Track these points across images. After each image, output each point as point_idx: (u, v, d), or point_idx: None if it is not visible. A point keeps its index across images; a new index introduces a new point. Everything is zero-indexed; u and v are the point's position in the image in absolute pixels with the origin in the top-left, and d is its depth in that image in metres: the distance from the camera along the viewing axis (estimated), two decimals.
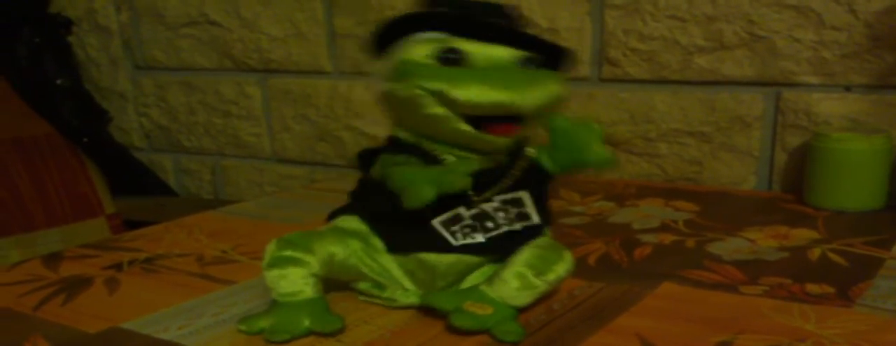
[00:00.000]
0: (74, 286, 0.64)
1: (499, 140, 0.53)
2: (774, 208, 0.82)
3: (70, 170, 1.27)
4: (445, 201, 0.52)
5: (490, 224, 0.54)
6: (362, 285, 0.57)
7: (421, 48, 0.52)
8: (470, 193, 0.53)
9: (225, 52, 1.27)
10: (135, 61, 1.39)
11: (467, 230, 0.54)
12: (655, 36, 0.94)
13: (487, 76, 0.51)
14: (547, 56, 0.55)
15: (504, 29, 0.53)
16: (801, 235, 0.72)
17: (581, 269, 0.64)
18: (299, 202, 0.94)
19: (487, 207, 0.54)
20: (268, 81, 1.25)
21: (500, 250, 0.54)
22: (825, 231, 0.73)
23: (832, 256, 0.66)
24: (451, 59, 0.51)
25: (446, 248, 0.53)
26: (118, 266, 0.69)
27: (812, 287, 0.58)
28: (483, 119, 0.51)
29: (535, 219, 0.56)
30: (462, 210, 0.54)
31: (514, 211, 0.55)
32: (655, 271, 0.63)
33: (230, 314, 0.56)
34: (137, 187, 1.42)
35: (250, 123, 1.30)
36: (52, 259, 0.71)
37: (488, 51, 0.52)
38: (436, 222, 0.53)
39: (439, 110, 0.51)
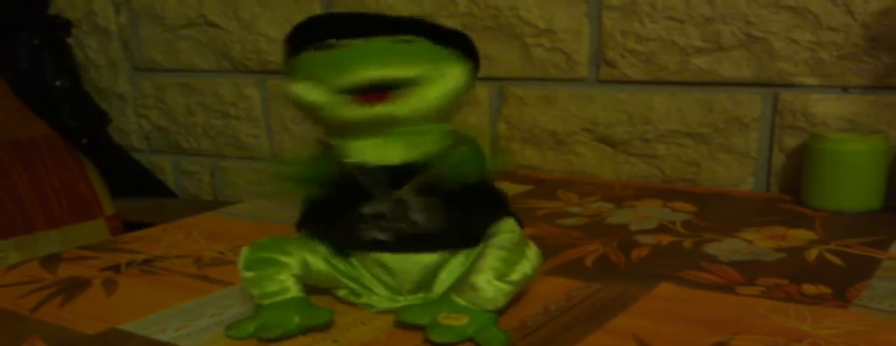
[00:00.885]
0: (72, 288, 0.64)
1: (366, 110, 0.51)
2: (772, 209, 0.82)
3: (69, 171, 1.27)
4: (359, 197, 0.53)
5: (385, 223, 0.54)
6: (341, 293, 0.57)
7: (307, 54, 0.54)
8: (375, 189, 0.53)
9: (223, 54, 1.27)
10: (134, 63, 1.39)
11: (371, 227, 0.54)
12: (653, 37, 0.94)
13: (347, 52, 0.52)
14: (444, 44, 0.54)
15: (375, 18, 0.53)
16: (799, 235, 0.72)
17: (578, 270, 0.64)
18: (298, 204, 0.93)
19: (386, 206, 0.54)
20: (266, 82, 1.25)
21: (404, 247, 0.54)
22: (822, 232, 0.73)
23: (829, 256, 0.66)
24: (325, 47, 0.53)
25: (357, 244, 0.54)
26: (116, 268, 0.69)
27: (809, 288, 0.58)
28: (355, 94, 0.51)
29: (423, 224, 0.54)
30: (368, 207, 0.54)
31: (405, 211, 0.54)
32: (653, 272, 0.63)
33: (228, 316, 0.56)
34: (137, 189, 1.42)
35: (249, 124, 1.30)
36: (51, 261, 0.71)
37: (367, 43, 0.52)
38: (351, 217, 0.54)
39: (309, 95, 0.52)
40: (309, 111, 0.54)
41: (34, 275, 0.67)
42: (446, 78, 0.53)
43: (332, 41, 0.53)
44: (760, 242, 0.70)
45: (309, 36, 0.54)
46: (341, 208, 0.55)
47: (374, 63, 0.51)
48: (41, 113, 1.28)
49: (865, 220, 0.77)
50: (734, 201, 0.87)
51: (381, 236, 0.54)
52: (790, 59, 0.88)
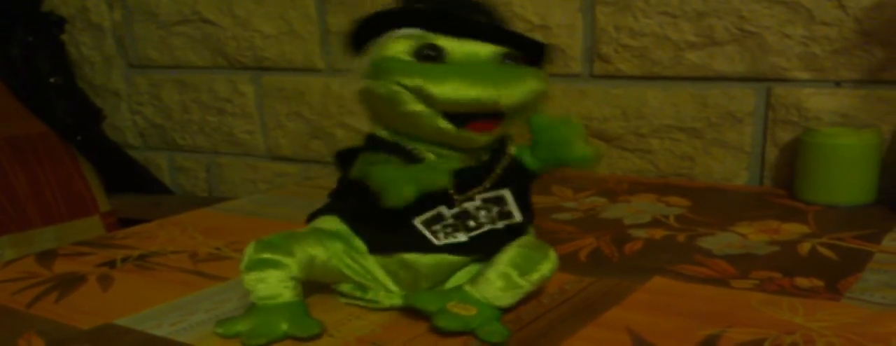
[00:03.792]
0: (68, 284, 0.64)
1: (479, 137, 0.52)
2: (765, 203, 0.83)
3: (64, 168, 1.27)
4: (426, 201, 0.51)
5: (472, 223, 0.54)
6: (344, 287, 0.56)
7: (398, 45, 0.52)
8: (451, 192, 0.53)
9: (218, 50, 1.27)
10: (128, 59, 1.39)
11: (449, 230, 0.53)
12: (646, 32, 0.94)
13: (467, 72, 0.50)
14: (528, 52, 0.54)
15: (482, 25, 0.52)
16: (792, 229, 0.72)
17: (572, 264, 0.64)
18: (293, 199, 0.94)
19: (469, 206, 0.54)
20: (261, 78, 1.25)
21: (482, 249, 0.54)
22: (815, 225, 0.73)
23: (822, 250, 0.66)
24: (429, 55, 0.51)
25: (429, 248, 0.53)
26: (112, 263, 0.69)
27: (802, 281, 0.58)
28: (463, 116, 0.51)
29: (518, 217, 0.55)
30: (444, 209, 0.53)
31: (495, 209, 0.54)
32: (646, 266, 0.63)
33: (223, 311, 0.56)
34: (132, 186, 1.42)
35: (244, 120, 1.30)
36: (46, 257, 0.71)
37: (467, 47, 0.52)
38: (417, 222, 0.53)
39: (418, 108, 0.50)
40: (400, 116, 0.52)
41: (30, 271, 0.67)
42: (537, 101, 0.54)
43: (433, 45, 0.51)
44: (754, 235, 0.71)
45: (396, 23, 0.53)
46: (395, 211, 0.52)
47: (494, 89, 0.50)
48: (36, 110, 1.28)
49: (858, 213, 0.77)
50: (728, 195, 0.88)
51: (461, 238, 0.53)
52: (783, 53, 0.88)
